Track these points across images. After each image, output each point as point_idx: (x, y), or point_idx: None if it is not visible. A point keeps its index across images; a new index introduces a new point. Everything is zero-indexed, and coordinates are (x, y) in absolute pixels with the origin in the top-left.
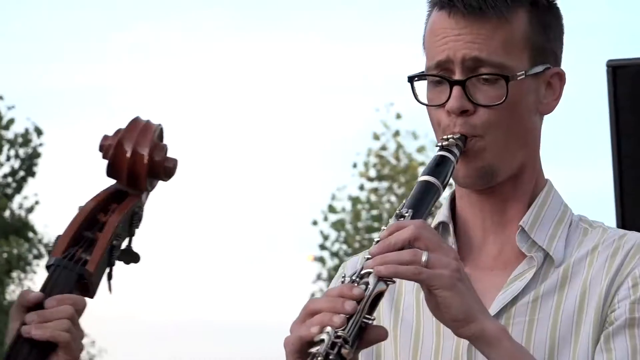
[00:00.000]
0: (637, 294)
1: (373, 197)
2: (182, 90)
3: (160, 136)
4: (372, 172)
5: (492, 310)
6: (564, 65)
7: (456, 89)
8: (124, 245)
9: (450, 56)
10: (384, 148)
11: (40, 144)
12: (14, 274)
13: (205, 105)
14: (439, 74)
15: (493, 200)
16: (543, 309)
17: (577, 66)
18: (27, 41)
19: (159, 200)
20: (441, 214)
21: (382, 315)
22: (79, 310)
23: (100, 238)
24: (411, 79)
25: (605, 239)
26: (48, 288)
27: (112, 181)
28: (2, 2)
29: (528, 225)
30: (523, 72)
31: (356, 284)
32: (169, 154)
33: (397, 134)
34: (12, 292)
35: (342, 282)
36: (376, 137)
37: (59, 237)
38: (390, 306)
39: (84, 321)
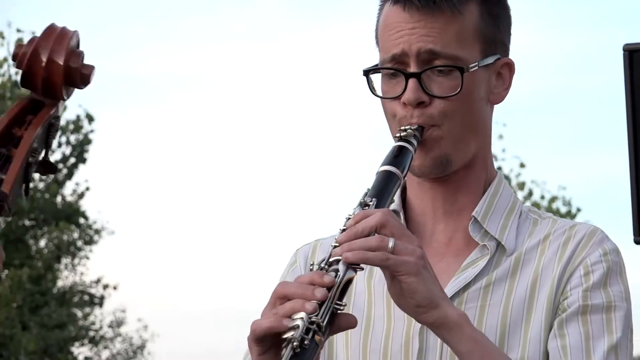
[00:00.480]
0: (588, 282)
1: None
2: (240, 78)
3: (77, 43)
4: None
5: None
6: (586, 52)
7: (412, 81)
8: (40, 157)
9: (406, 49)
10: None
11: (92, 131)
12: (64, 260)
13: (261, 94)
14: (394, 67)
15: (445, 188)
16: (495, 295)
17: (594, 51)
18: (78, 27)
19: (211, 191)
20: (393, 203)
21: None
22: None
23: (16, 156)
24: (366, 73)
25: (557, 229)
26: None
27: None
28: None
29: (481, 215)
30: (476, 63)
31: (325, 272)
32: (86, 61)
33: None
34: (65, 278)
35: (311, 269)
36: None
37: None
38: None
39: (138, 306)
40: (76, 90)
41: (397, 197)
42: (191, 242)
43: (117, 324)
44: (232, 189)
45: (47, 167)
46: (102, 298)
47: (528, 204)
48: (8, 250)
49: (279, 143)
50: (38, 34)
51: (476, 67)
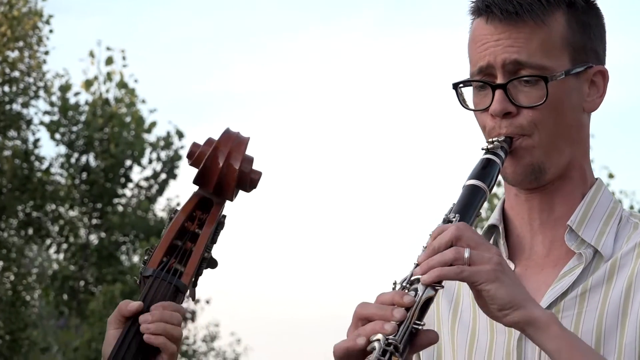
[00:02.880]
0: None
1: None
2: (329, 92)
3: (247, 148)
4: None
5: (542, 305)
6: None
7: (498, 93)
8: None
9: (491, 61)
10: None
11: (182, 147)
12: None
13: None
14: (481, 79)
15: (541, 199)
16: (591, 301)
17: None
18: (167, 46)
19: (301, 202)
20: (492, 217)
21: (442, 318)
22: (182, 318)
23: (195, 251)
24: (456, 86)
25: None
26: (148, 298)
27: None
28: (150, 8)
29: (576, 223)
30: (563, 72)
31: (406, 291)
32: (255, 167)
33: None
34: None
35: (393, 288)
36: None
37: (153, 247)
38: (449, 309)
39: (231, 319)
40: (169, 108)
41: (497, 212)
42: (282, 254)
43: (211, 338)
44: (321, 198)
45: (210, 263)
46: (194, 313)
47: None
48: (101, 266)
49: (372, 155)
50: (128, 52)
51: (563, 76)
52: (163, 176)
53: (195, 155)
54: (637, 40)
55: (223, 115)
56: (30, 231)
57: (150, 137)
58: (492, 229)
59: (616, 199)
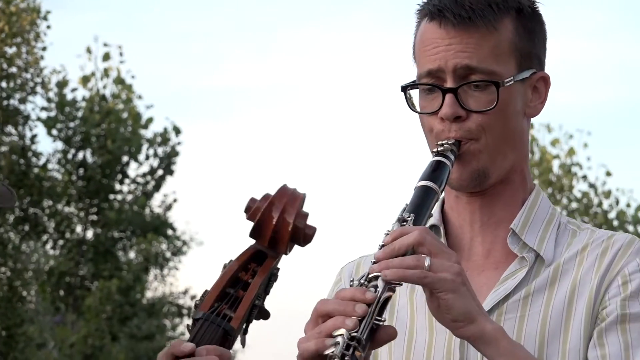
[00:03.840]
0: (627, 291)
1: None
2: (329, 89)
3: (303, 204)
4: None
5: (485, 307)
6: None
7: (449, 97)
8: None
9: (442, 65)
10: None
11: (179, 143)
12: (153, 271)
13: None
14: (431, 83)
15: (482, 202)
16: (534, 305)
17: None
18: (164, 42)
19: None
20: (432, 217)
21: None
22: None
23: (245, 297)
24: (404, 89)
25: (595, 240)
26: (197, 340)
27: (252, 240)
28: (147, 4)
29: (519, 227)
30: (512, 77)
31: (366, 288)
32: (309, 222)
33: (531, 126)
34: (154, 289)
35: (351, 285)
36: None
37: (206, 292)
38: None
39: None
40: (166, 104)
41: (436, 211)
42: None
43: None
44: (319, 193)
45: (263, 314)
46: (190, 309)
47: (614, 212)
48: (97, 262)
49: (365, 152)
50: (124, 48)
51: (512, 82)
52: (160, 172)
53: (251, 210)
54: (633, 41)
55: (221, 111)
56: (27, 227)
57: (147, 133)
58: (432, 229)
59: (552, 205)
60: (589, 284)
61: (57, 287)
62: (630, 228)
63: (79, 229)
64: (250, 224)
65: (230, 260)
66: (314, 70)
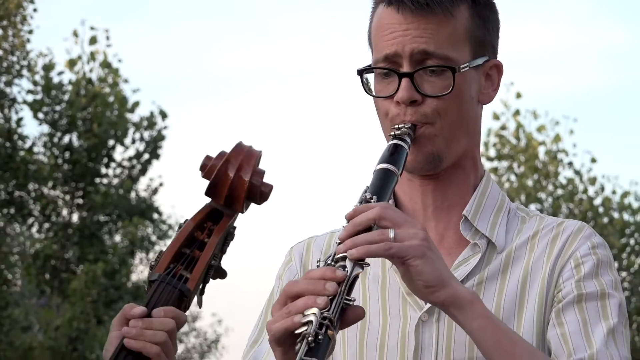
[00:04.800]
0: (580, 273)
1: (493, 177)
2: (318, 72)
3: (259, 162)
4: (492, 152)
5: None
6: None
7: (405, 81)
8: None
9: (399, 50)
10: (503, 127)
11: (165, 127)
12: (139, 255)
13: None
14: (387, 67)
15: (435, 185)
16: (487, 292)
17: None
18: (151, 26)
19: (285, 184)
20: None
21: None
22: (180, 324)
23: (201, 257)
24: (360, 72)
25: (545, 226)
26: (151, 303)
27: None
28: None
29: (471, 213)
30: (467, 63)
31: (334, 267)
32: (266, 180)
33: (517, 113)
34: (140, 273)
35: (317, 265)
36: (496, 116)
37: (161, 253)
38: None
39: (211, 299)
40: (152, 88)
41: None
42: (263, 235)
43: (192, 318)
44: (303, 182)
45: (219, 273)
46: None
47: (599, 199)
48: (83, 246)
49: (356, 137)
50: (111, 32)
51: (467, 68)
52: (146, 156)
53: (207, 168)
54: (619, 27)
55: (207, 96)
56: (12, 210)
57: (134, 117)
58: None
59: (503, 192)
60: (540, 270)
61: (42, 270)
62: (616, 215)
63: (64, 212)
64: (206, 183)
65: (186, 220)
66: (302, 55)
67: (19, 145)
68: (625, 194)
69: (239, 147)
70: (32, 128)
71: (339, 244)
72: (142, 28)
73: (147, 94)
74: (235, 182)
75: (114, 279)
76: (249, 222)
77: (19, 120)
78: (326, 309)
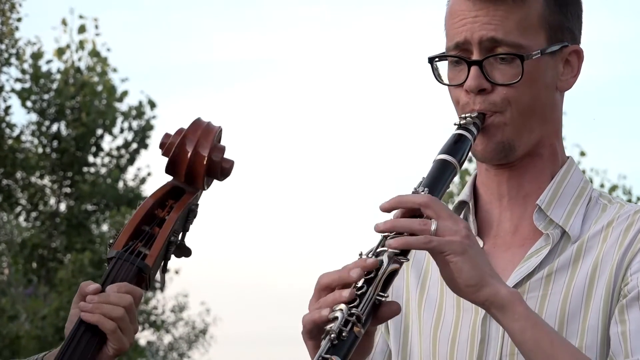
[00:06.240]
0: None
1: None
2: (309, 63)
3: (219, 138)
4: None
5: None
6: None
7: (474, 69)
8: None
9: (468, 37)
10: None
11: (154, 117)
12: None
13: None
14: (457, 55)
15: (510, 175)
16: (556, 283)
17: None
18: (141, 15)
19: (272, 174)
20: (463, 193)
21: (410, 290)
22: (137, 300)
23: (160, 234)
24: (431, 60)
25: (621, 215)
26: (109, 279)
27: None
28: None
29: (545, 203)
30: (539, 50)
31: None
32: (226, 155)
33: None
34: None
35: (359, 257)
36: None
37: (119, 230)
38: (417, 282)
39: (200, 289)
40: (141, 77)
41: (468, 188)
42: (253, 225)
43: (180, 308)
44: (294, 174)
45: (183, 250)
46: (163, 283)
47: None
48: (70, 235)
49: (349, 129)
50: (100, 21)
51: (539, 55)
52: (134, 145)
53: (165, 146)
54: (608, 21)
55: (196, 85)
56: (0, 199)
57: (122, 107)
58: (462, 204)
59: (587, 178)
60: (610, 261)
61: (29, 259)
62: None
63: (52, 201)
64: (165, 160)
65: (146, 198)
66: (297, 43)
67: (6, 134)
68: (614, 188)
69: (197, 122)
70: (20, 116)
71: (386, 237)
72: (131, 17)
73: (135, 84)
74: (193, 158)
75: (101, 268)
76: (239, 212)
77: (7, 108)
78: (354, 306)
